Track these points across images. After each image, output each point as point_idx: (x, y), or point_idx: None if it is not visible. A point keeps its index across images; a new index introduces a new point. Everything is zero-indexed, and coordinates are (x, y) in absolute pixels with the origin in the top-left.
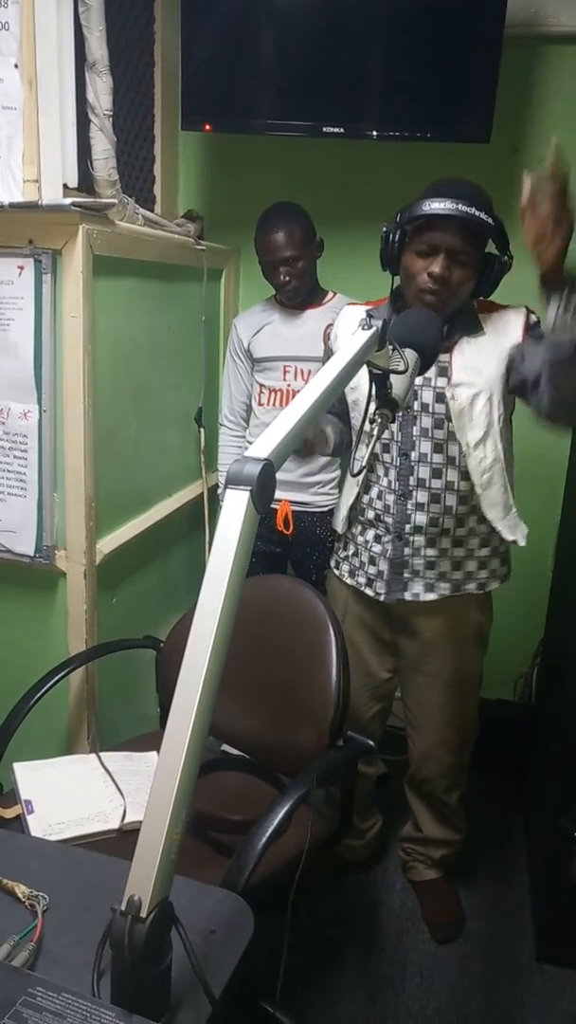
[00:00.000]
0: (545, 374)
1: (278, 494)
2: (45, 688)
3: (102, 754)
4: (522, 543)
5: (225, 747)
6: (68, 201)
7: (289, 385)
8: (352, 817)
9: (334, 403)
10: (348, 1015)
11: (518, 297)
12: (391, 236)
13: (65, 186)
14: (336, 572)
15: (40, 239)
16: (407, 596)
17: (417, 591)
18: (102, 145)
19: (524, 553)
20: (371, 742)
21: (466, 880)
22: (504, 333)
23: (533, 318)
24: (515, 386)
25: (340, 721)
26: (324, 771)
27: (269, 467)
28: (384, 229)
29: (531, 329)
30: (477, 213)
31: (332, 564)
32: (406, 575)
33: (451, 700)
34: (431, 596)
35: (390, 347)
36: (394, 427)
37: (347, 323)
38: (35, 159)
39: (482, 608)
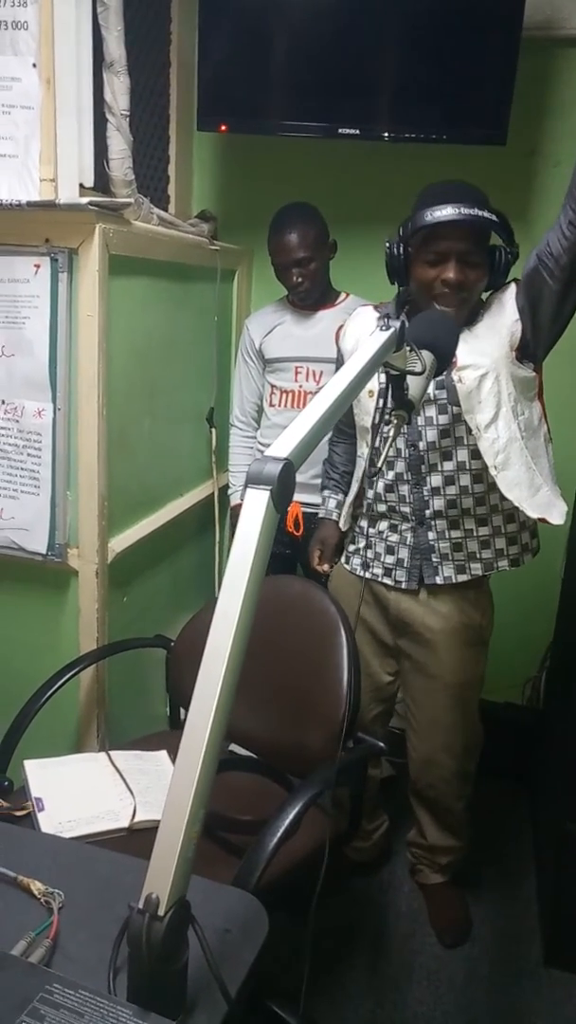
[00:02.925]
0: None
1: None
2: (56, 686)
3: (112, 752)
4: (556, 521)
5: (233, 747)
6: (85, 200)
7: (301, 386)
8: (361, 819)
9: (341, 417)
10: (355, 1017)
11: None
12: (395, 249)
13: (81, 185)
14: (347, 567)
15: (57, 238)
16: (439, 580)
17: (449, 574)
18: (119, 145)
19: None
20: (381, 744)
21: (474, 884)
22: (499, 310)
23: (527, 264)
24: (533, 268)
25: (351, 722)
26: (334, 772)
27: (289, 467)
28: (388, 243)
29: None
30: (480, 213)
31: (342, 560)
32: (435, 560)
33: (453, 703)
34: (463, 577)
35: (407, 348)
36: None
37: (357, 324)
38: (52, 158)
39: (482, 610)
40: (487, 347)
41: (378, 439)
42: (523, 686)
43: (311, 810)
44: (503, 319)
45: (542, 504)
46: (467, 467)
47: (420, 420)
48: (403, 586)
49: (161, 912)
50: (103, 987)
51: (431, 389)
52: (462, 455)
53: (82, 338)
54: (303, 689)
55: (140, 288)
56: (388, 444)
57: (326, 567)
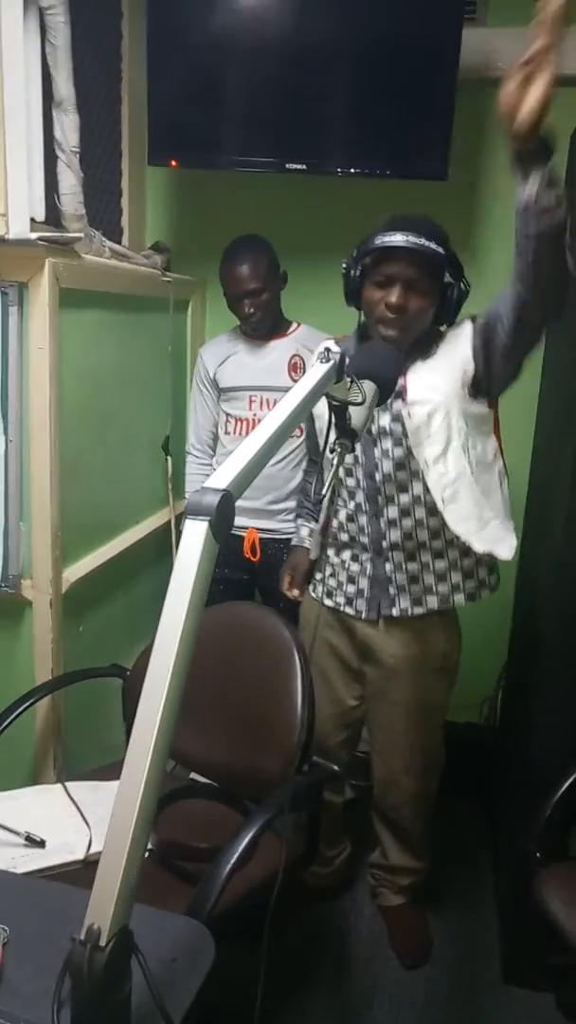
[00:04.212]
0: (529, 250)
1: (245, 521)
2: (11, 718)
3: (68, 784)
4: (503, 556)
5: (194, 775)
6: (34, 235)
7: (255, 414)
8: (319, 843)
9: (310, 448)
10: None
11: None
12: (351, 271)
13: (33, 220)
14: (313, 594)
15: (7, 272)
16: (395, 612)
17: (405, 606)
18: (69, 181)
19: None
20: (335, 767)
21: (434, 903)
22: (454, 346)
23: (479, 321)
24: (482, 331)
25: (305, 747)
26: (288, 797)
27: (228, 497)
28: (344, 265)
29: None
30: (427, 243)
31: (309, 587)
32: (392, 591)
33: (414, 727)
34: (419, 610)
35: (348, 379)
36: (358, 450)
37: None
38: (3, 194)
39: (448, 636)
40: (440, 382)
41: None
42: (480, 705)
43: (268, 835)
44: (457, 355)
45: (490, 538)
46: (422, 500)
47: (377, 452)
48: (363, 616)
49: (103, 942)
50: (47, 1020)
51: (387, 422)
52: (417, 488)
53: (33, 370)
54: (259, 714)
55: (92, 320)
56: (332, 472)
57: (295, 592)
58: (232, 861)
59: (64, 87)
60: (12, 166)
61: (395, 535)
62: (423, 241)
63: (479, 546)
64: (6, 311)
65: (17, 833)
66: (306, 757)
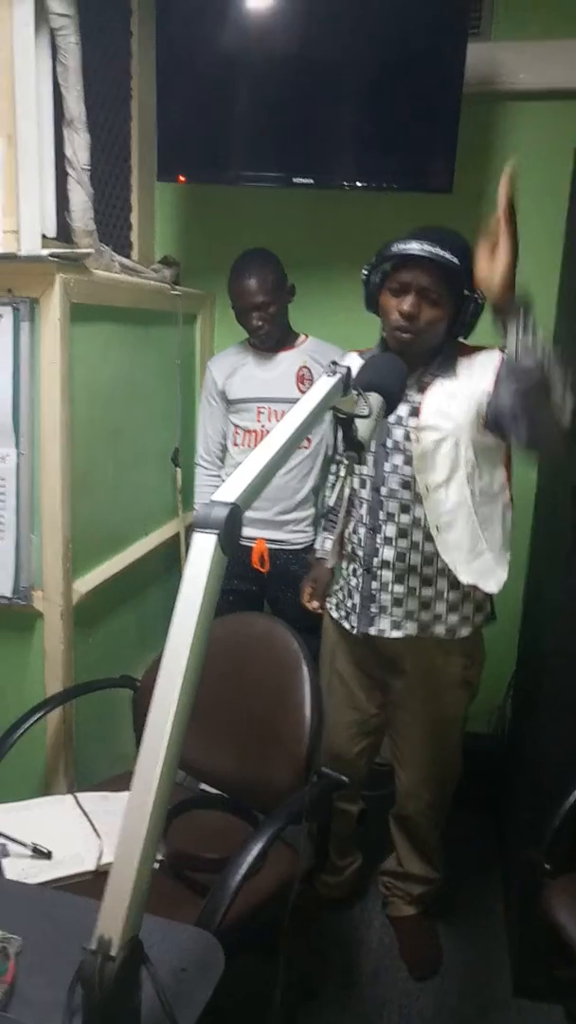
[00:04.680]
0: (518, 405)
1: (254, 532)
2: (22, 729)
3: (79, 794)
4: (489, 590)
5: (203, 786)
6: (45, 252)
7: (263, 426)
8: (327, 853)
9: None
10: None
11: (483, 332)
12: (370, 276)
13: (44, 236)
14: (328, 605)
15: (19, 288)
16: (372, 631)
17: (383, 627)
18: (79, 197)
19: None
20: (343, 778)
21: (443, 915)
22: (476, 376)
23: (500, 356)
24: (491, 423)
25: (313, 757)
26: (297, 807)
27: (236, 511)
28: (364, 271)
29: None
30: (442, 253)
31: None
32: (373, 610)
33: (432, 739)
34: (396, 634)
35: (355, 392)
36: (369, 462)
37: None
38: (14, 211)
39: (468, 651)
40: (455, 411)
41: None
42: (489, 715)
43: (277, 846)
44: (478, 386)
45: (479, 571)
46: (421, 524)
47: (387, 466)
48: (354, 632)
49: (113, 952)
50: None
51: (399, 437)
52: (419, 511)
53: (45, 384)
54: (268, 725)
55: (102, 334)
56: (341, 483)
57: (315, 604)
58: (241, 872)
59: (75, 106)
60: (24, 184)
61: (388, 554)
62: (437, 251)
63: (465, 577)
64: (18, 326)
65: (24, 844)
66: (314, 767)
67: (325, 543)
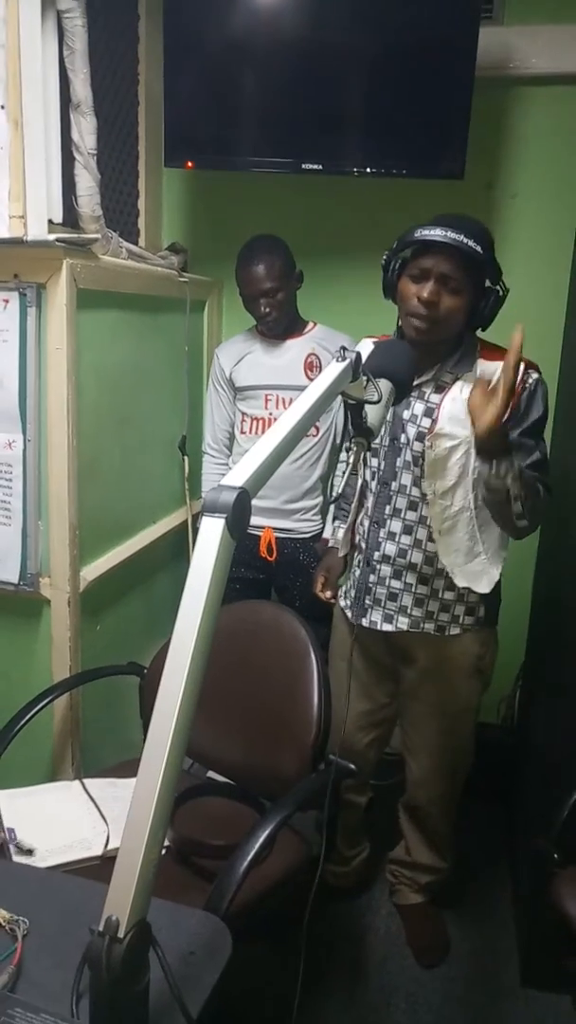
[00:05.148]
0: (484, 497)
1: (261, 521)
2: (29, 715)
3: (86, 780)
4: (481, 590)
5: (211, 774)
6: (52, 237)
7: (271, 413)
8: (335, 840)
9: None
10: None
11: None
12: (390, 263)
13: (50, 221)
14: (339, 594)
15: (25, 273)
16: (365, 623)
17: (375, 619)
18: (86, 182)
19: (504, 578)
20: (352, 765)
21: (451, 904)
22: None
23: (531, 379)
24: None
25: (321, 745)
26: (304, 795)
27: (244, 495)
28: (384, 256)
29: (527, 393)
30: (466, 241)
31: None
32: (367, 602)
33: (445, 728)
34: (388, 627)
35: (364, 378)
36: (380, 456)
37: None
38: (21, 196)
39: (482, 641)
40: (468, 419)
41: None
42: (498, 705)
43: (285, 833)
44: None
45: (473, 572)
46: (427, 522)
47: (399, 462)
48: (354, 622)
49: (121, 934)
50: (66, 1011)
51: (412, 435)
52: (425, 510)
53: (51, 370)
54: (275, 713)
55: (109, 320)
56: (350, 469)
57: (328, 594)
58: (248, 858)
59: (81, 90)
60: (30, 169)
61: (390, 549)
62: (462, 238)
63: (460, 581)
64: (24, 312)
65: (11, 836)
66: (322, 755)
67: (337, 532)
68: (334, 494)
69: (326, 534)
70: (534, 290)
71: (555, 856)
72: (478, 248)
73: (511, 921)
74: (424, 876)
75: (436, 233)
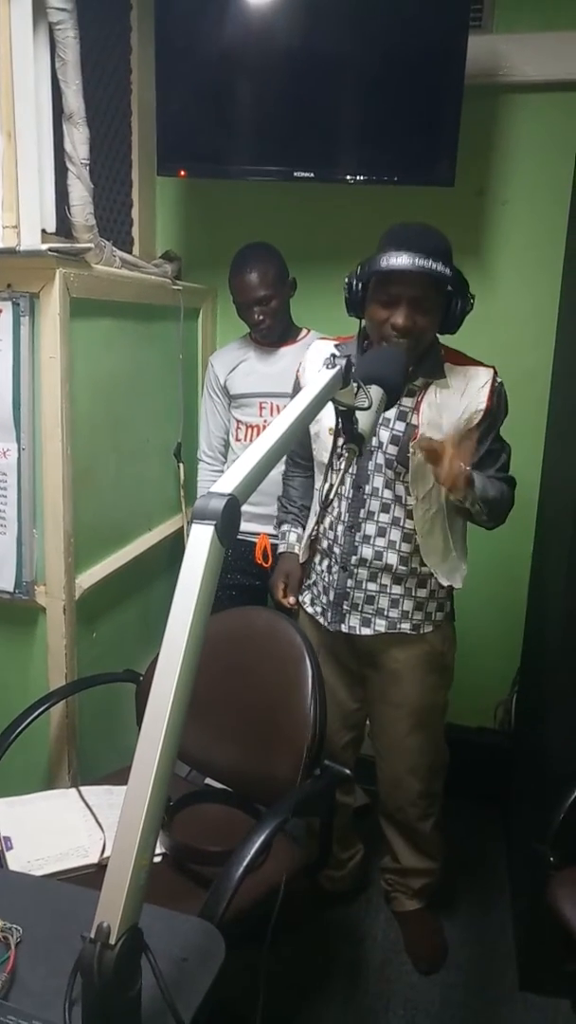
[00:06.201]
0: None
1: (257, 527)
2: (26, 723)
3: (82, 788)
4: (458, 586)
5: (209, 781)
6: (45, 247)
7: (265, 420)
8: (331, 847)
9: (297, 451)
10: None
11: (487, 324)
12: (354, 285)
13: (44, 231)
14: (302, 599)
15: (18, 283)
16: (343, 628)
17: (354, 624)
18: (79, 192)
19: (499, 582)
20: (347, 771)
21: (449, 909)
22: (468, 393)
23: (499, 381)
24: None
25: (317, 751)
26: (299, 801)
27: (233, 502)
28: (347, 279)
29: (496, 395)
30: (433, 266)
31: (301, 594)
32: (345, 607)
33: (416, 728)
34: (366, 631)
35: (355, 384)
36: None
37: (315, 357)
38: (14, 206)
39: (444, 636)
40: (444, 423)
41: (331, 474)
42: (494, 709)
43: (281, 839)
44: (471, 402)
45: (449, 570)
46: (400, 524)
47: (371, 465)
48: (330, 628)
49: (112, 940)
50: (59, 1018)
51: (385, 438)
52: (398, 512)
53: (45, 379)
54: (270, 719)
55: (103, 329)
56: (340, 476)
57: (292, 600)
58: (243, 864)
59: (74, 100)
60: (23, 178)
61: (366, 552)
62: (428, 263)
63: (443, 579)
64: (18, 321)
65: (7, 844)
66: (318, 761)
67: (289, 535)
68: (286, 498)
69: (280, 539)
70: (525, 296)
71: (551, 859)
72: (446, 271)
73: (509, 925)
74: (416, 880)
75: (403, 262)
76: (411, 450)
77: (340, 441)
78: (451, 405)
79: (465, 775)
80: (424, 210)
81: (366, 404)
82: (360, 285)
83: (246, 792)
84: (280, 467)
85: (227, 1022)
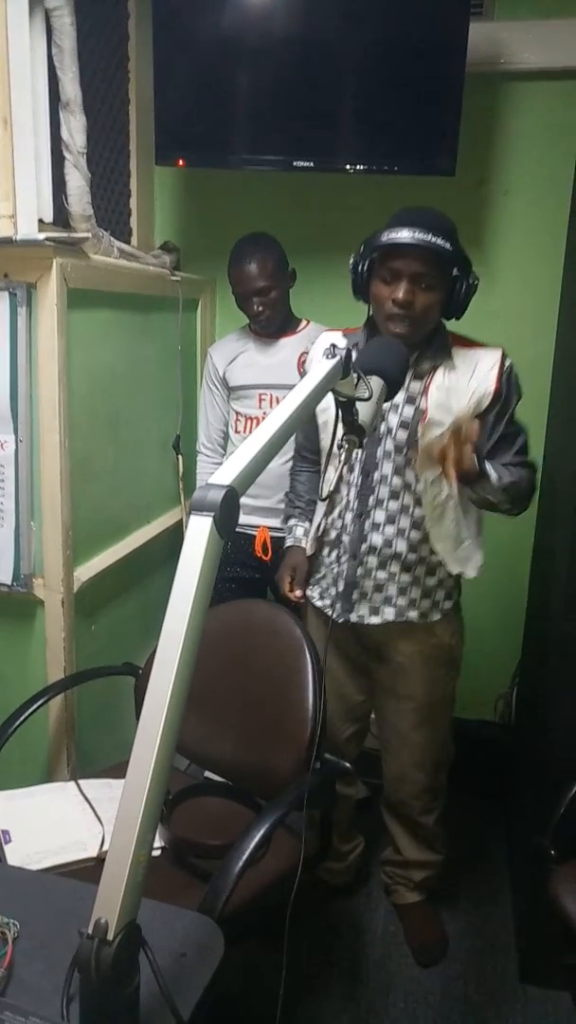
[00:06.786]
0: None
1: (256, 520)
2: (24, 716)
3: (81, 781)
4: (470, 575)
5: (208, 774)
6: (42, 236)
7: (264, 412)
8: (332, 840)
9: (305, 444)
10: None
11: (488, 316)
12: (359, 265)
13: (41, 221)
14: (309, 594)
15: (15, 273)
16: (353, 618)
17: (363, 614)
18: (76, 181)
19: (501, 575)
20: (347, 764)
21: (449, 902)
22: (477, 376)
23: (508, 362)
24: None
25: (317, 744)
26: (299, 794)
27: (232, 493)
28: (352, 259)
29: (505, 377)
30: (434, 240)
31: (308, 588)
32: (355, 596)
33: (423, 722)
34: (375, 620)
35: (355, 375)
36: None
37: (320, 349)
38: (10, 195)
39: (452, 630)
40: (454, 405)
41: (331, 468)
42: (495, 702)
43: (281, 833)
44: (479, 384)
45: (462, 558)
46: (410, 512)
47: (379, 451)
48: (339, 620)
49: (110, 936)
50: (56, 1014)
51: (395, 424)
52: (407, 498)
53: (42, 370)
54: (270, 712)
55: (101, 320)
56: (339, 468)
57: (298, 593)
58: (243, 858)
59: (71, 88)
60: (20, 168)
61: (376, 539)
62: (430, 237)
63: (453, 567)
64: (15, 312)
65: (5, 837)
66: (318, 754)
67: (296, 530)
68: (293, 492)
69: (287, 532)
70: (527, 286)
71: (552, 852)
72: (446, 245)
73: (510, 918)
74: (418, 873)
75: (403, 235)
76: (420, 433)
77: (340, 432)
78: (460, 388)
79: (465, 768)
80: (424, 200)
81: (366, 395)
82: (364, 267)
83: (246, 785)
84: (280, 459)
85: (227, 1017)
